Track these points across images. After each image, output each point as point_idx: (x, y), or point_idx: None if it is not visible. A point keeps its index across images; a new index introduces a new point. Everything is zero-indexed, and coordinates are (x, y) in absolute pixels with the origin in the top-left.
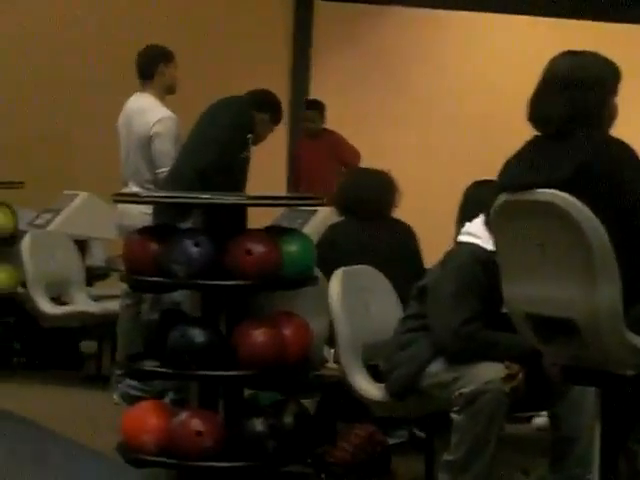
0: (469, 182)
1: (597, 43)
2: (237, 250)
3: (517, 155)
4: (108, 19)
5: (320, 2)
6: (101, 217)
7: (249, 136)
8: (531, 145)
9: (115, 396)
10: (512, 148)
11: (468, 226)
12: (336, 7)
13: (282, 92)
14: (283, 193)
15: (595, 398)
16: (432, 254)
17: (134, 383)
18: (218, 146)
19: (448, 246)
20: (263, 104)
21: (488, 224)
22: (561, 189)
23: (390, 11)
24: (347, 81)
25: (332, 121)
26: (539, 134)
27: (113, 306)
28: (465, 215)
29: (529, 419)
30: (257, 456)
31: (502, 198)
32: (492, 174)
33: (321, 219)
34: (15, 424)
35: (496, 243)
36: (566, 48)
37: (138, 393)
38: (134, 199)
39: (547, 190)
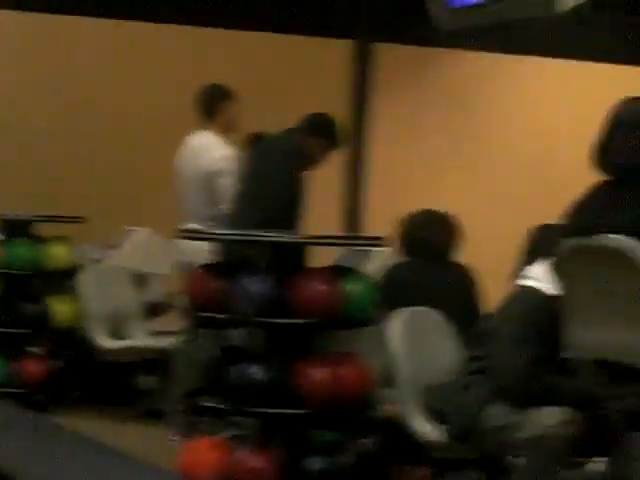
0: (531, 226)
1: None
2: (299, 289)
3: (584, 199)
4: (178, 58)
5: (381, 45)
6: (160, 253)
7: (304, 168)
8: (599, 189)
9: (172, 432)
10: (572, 192)
11: (529, 269)
12: (398, 50)
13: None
14: (343, 233)
15: None
16: (492, 297)
17: (193, 419)
18: (275, 188)
19: (508, 289)
20: (318, 128)
21: (552, 268)
22: (632, 234)
23: (453, 54)
24: (406, 124)
25: (393, 163)
26: (607, 179)
27: (170, 341)
28: (527, 258)
29: (583, 465)
30: None
31: (569, 242)
32: (549, 218)
33: (381, 259)
34: (105, 456)
35: (561, 287)
36: (624, 94)
37: (196, 429)
38: (198, 235)
39: (614, 235)
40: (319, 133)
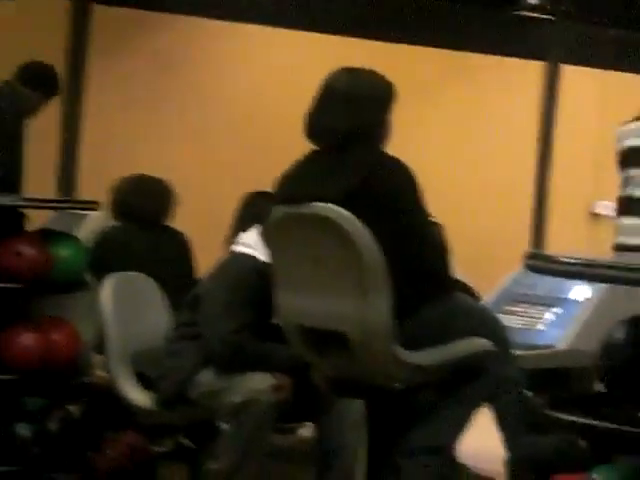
0: (245, 192)
1: (371, 61)
2: (6, 252)
3: (294, 168)
4: None
5: (99, 6)
6: None
7: (24, 121)
8: (309, 159)
9: None
10: (289, 161)
11: (243, 236)
12: (116, 12)
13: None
14: (55, 196)
15: (362, 411)
16: (207, 263)
17: None
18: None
19: (222, 255)
20: (34, 78)
21: (262, 235)
22: (339, 203)
23: (168, 19)
24: (123, 88)
25: (110, 129)
26: (317, 148)
27: None
28: (240, 225)
29: (294, 430)
30: (21, 461)
31: (278, 210)
32: (268, 186)
33: (94, 223)
34: None
35: (270, 254)
36: (341, 65)
37: None
38: None
39: (322, 204)
40: (35, 83)
